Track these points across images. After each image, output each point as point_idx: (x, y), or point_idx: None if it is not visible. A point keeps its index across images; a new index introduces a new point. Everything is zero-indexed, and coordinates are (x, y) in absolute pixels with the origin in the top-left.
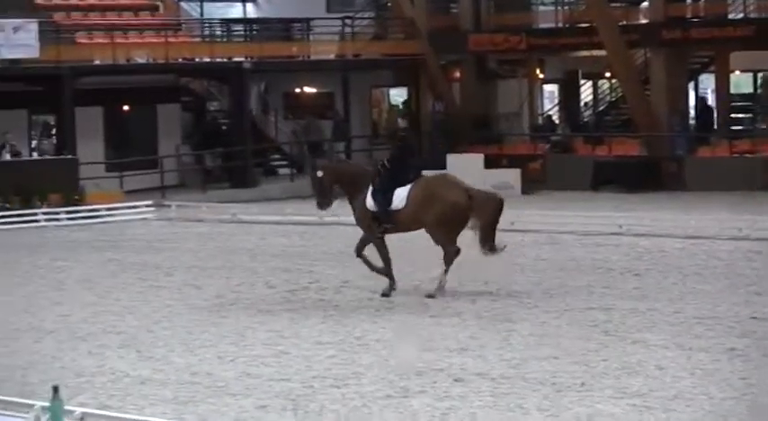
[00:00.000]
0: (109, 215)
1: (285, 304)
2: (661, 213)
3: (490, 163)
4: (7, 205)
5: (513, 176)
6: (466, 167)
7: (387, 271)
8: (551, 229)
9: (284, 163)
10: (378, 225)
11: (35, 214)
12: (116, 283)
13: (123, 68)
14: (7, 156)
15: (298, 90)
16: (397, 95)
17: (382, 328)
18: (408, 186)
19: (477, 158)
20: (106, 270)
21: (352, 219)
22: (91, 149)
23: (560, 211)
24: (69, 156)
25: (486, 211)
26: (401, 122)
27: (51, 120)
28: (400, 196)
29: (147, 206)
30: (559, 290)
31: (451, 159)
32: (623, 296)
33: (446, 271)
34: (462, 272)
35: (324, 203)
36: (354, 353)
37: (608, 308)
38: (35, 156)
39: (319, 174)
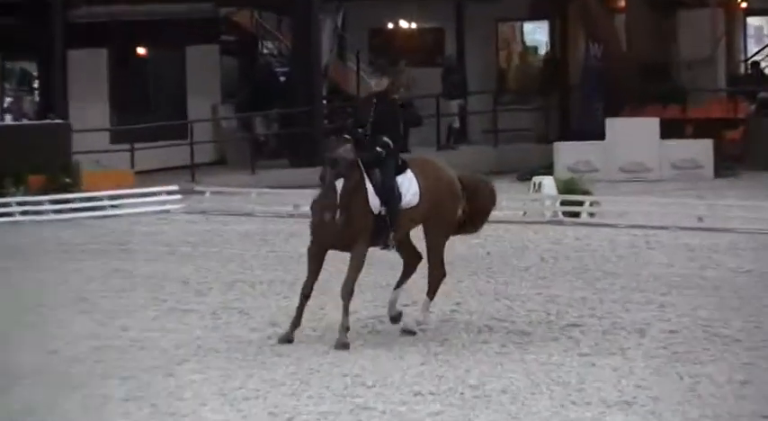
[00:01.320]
0: (114, 206)
1: (368, 336)
2: None
3: (669, 131)
4: None
5: (702, 150)
6: (634, 137)
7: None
8: (755, 228)
9: None
10: (385, 235)
11: (7, 205)
12: (123, 305)
13: None
14: None
15: (390, 25)
16: (535, 33)
17: (510, 373)
18: (409, 173)
19: (650, 124)
20: (108, 286)
21: None
22: (89, 111)
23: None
24: (57, 121)
25: (477, 198)
26: (381, 81)
27: (32, 67)
28: (411, 189)
29: (170, 193)
30: None
31: (613, 125)
32: None
33: (432, 298)
34: (625, 288)
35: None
36: (469, 410)
37: None
38: (8, 120)
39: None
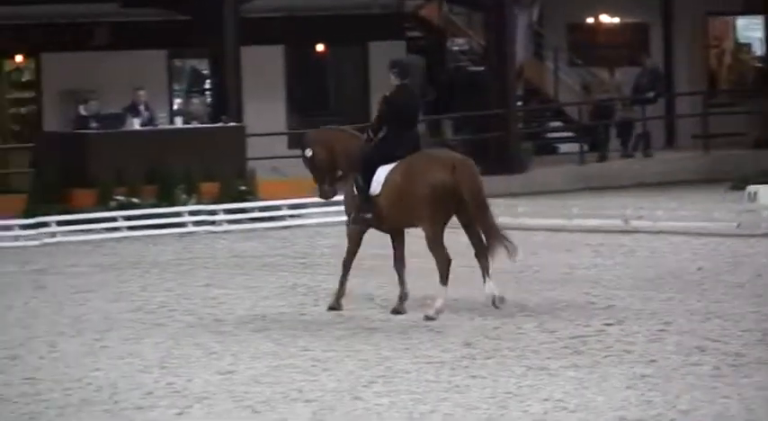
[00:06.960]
0: (293, 216)
1: (570, 357)
2: None
3: None
4: (135, 200)
5: None
6: None
7: (342, 277)
8: None
9: (568, 135)
10: (359, 214)
11: (178, 214)
12: (303, 323)
13: None
14: (136, 124)
15: (590, 20)
16: (749, 29)
17: (724, 399)
18: (392, 165)
19: None
20: (287, 302)
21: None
22: (266, 112)
23: None
24: (231, 124)
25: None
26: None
27: (204, 66)
28: (379, 178)
29: None
30: None
31: None
32: None
33: (444, 283)
34: None
35: (324, 190)
36: None
37: None
38: (178, 123)
39: (308, 152)
